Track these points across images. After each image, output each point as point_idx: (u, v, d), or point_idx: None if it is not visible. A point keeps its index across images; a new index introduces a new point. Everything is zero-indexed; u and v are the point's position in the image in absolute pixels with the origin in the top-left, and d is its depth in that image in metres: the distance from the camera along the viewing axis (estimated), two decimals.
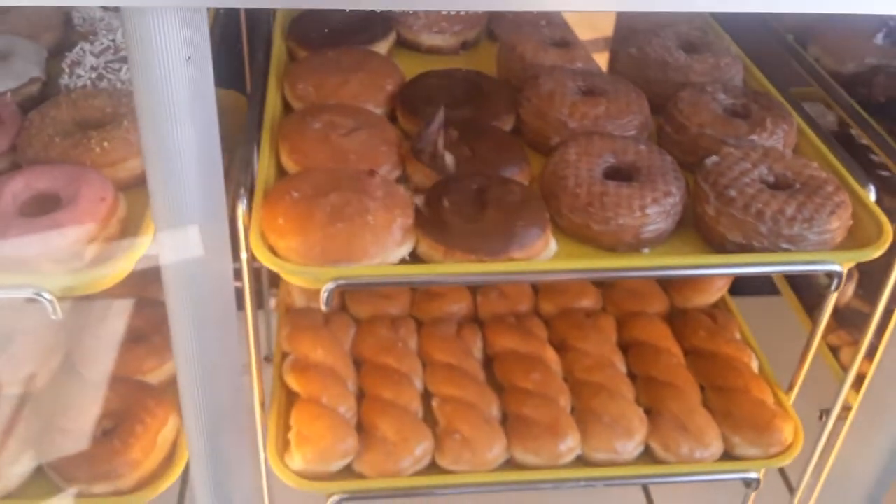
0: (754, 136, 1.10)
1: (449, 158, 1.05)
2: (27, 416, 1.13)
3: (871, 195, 1.04)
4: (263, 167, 1.03)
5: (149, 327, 1.22)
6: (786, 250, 0.98)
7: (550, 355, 1.24)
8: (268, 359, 1.36)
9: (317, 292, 0.93)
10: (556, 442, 1.11)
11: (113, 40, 1.20)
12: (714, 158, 1.05)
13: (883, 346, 1.13)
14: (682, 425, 1.14)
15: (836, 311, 1.10)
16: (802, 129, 1.16)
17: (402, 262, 0.96)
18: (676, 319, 1.33)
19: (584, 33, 1.34)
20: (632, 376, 1.23)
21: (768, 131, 1.10)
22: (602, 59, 1.32)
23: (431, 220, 0.96)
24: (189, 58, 0.73)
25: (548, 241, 0.97)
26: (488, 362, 1.25)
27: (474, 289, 1.32)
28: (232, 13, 1.35)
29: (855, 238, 1.01)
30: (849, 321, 1.28)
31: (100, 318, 1.23)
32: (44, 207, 0.95)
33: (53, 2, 0.94)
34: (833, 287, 0.99)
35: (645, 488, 1.56)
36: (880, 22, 1.37)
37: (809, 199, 0.99)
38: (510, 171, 1.05)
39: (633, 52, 1.26)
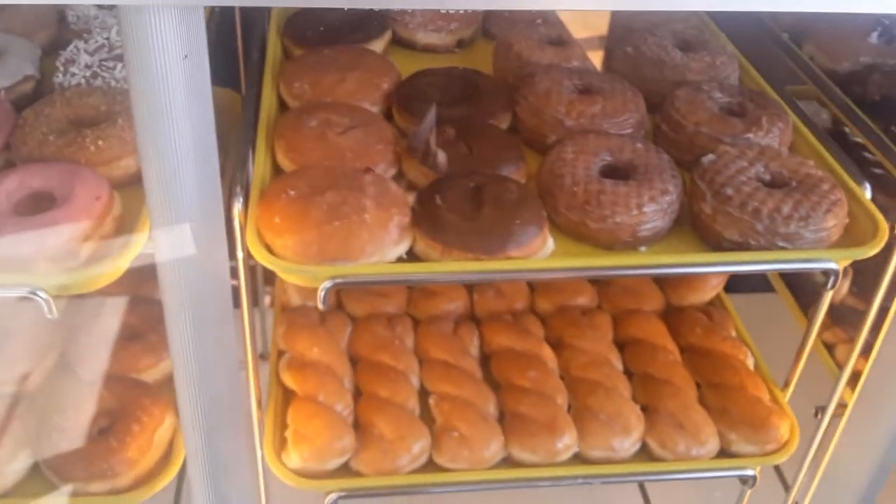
0: (750, 135, 1.10)
1: (441, 157, 1.04)
2: (23, 414, 1.12)
3: (867, 193, 1.04)
4: (259, 165, 1.03)
5: (144, 325, 1.22)
6: (782, 248, 0.98)
7: (547, 353, 1.24)
8: (262, 357, 1.36)
9: (313, 290, 0.93)
10: (553, 439, 1.11)
11: (107, 38, 1.19)
12: (710, 157, 1.05)
13: (879, 344, 1.13)
14: (678, 423, 1.14)
15: (831, 309, 1.10)
16: (798, 127, 1.16)
17: (400, 260, 0.96)
18: (672, 317, 1.33)
19: (578, 32, 1.34)
20: (628, 374, 1.23)
21: (764, 130, 1.11)
22: (596, 58, 1.32)
23: (428, 219, 0.96)
24: (186, 56, 0.73)
25: (545, 239, 0.98)
26: (485, 360, 1.25)
27: (471, 287, 1.32)
28: (227, 11, 1.34)
29: (851, 236, 1.01)
30: (844, 318, 1.28)
31: (95, 316, 1.22)
32: (38, 206, 0.94)
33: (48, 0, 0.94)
34: (829, 285, 0.99)
35: (641, 486, 1.57)
36: (875, 21, 1.38)
37: (805, 197, 0.99)
38: (507, 170, 1.05)
39: (629, 51, 1.26)
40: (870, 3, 0.78)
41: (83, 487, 1.06)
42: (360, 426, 1.12)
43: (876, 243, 0.98)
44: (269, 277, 1.44)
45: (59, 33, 1.28)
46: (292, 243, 0.92)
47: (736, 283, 1.39)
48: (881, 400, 1.18)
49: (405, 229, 0.96)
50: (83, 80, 1.14)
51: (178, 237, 0.83)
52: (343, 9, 1.32)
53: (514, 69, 1.24)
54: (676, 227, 1.03)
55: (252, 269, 0.98)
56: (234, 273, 0.93)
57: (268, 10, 1.35)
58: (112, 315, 1.22)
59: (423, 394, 1.18)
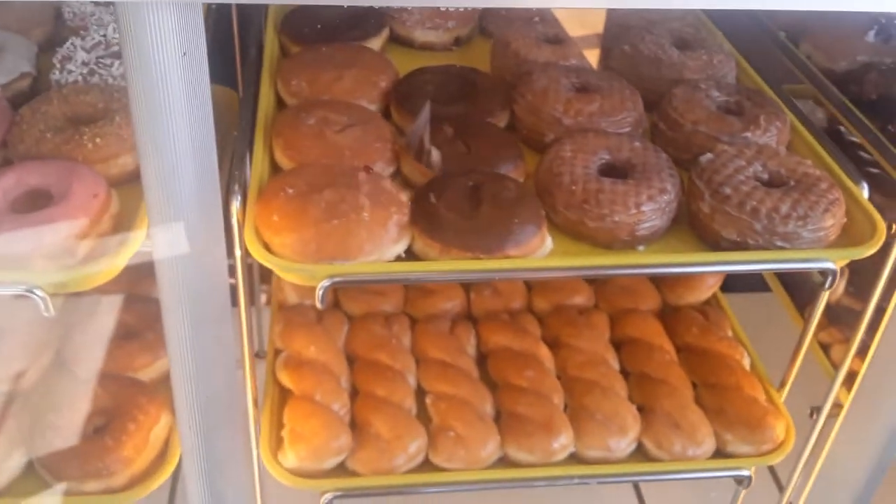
0: (748, 134, 1.10)
1: (435, 154, 1.04)
2: (18, 413, 1.12)
3: (864, 192, 1.04)
4: (257, 164, 1.03)
5: (141, 324, 1.21)
6: (780, 248, 0.98)
7: (544, 352, 1.24)
8: (258, 355, 1.36)
9: (310, 289, 0.92)
10: (549, 439, 1.11)
11: (104, 35, 1.19)
12: (708, 156, 1.05)
13: (875, 344, 1.13)
14: (674, 422, 1.15)
15: (827, 309, 1.10)
16: (795, 126, 1.16)
17: (398, 259, 0.96)
18: (669, 316, 1.33)
19: (575, 30, 1.34)
20: (625, 373, 1.23)
21: (762, 128, 1.11)
22: (592, 56, 1.32)
23: (427, 217, 0.96)
24: (185, 53, 0.72)
25: (543, 238, 0.97)
26: (482, 359, 1.25)
27: (468, 286, 1.32)
28: (223, 9, 1.34)
29: (848, 235, 1.02)
30: (839, 318, 1.28)
31: (91, 314, 1.22)
32: (35, 203, 0.94)
33: None
34: (827, 285, 0.99)
35: (636, 486, 1.57)
36: (872, 20, 1.38)
37: (804, 196, 0.99)
38: (505, 168, 1.05)
39: (626, 49, 1.26)
40: (866, 1, 0.78)
41: (77, 486, 1.06)
42: (356, 425, 1.12)
43: (874, 243, 0.98)
44: (266, 276, 1.44)
45: (55, 30, 1.28)
46: (290, 242, 0.92)
47: (732, 283, 1.39)
48: (877, 400, 1.18)
49: (404, 228, 0.96)
50: (80, 78, 1.14)
51: (176, 235, 0.82)
52: (340, 6, 1.32)
53: (511, 67, 1.24)
54: (674, 226, 1.03)
55: (249, 267, 0.97)
56: (231, 271, 0.92)
57: (265, 7, 1.35)
58: (108, 313, 1.22)
59: (420, 393, 1.18)
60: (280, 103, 1.19)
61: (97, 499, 1.06)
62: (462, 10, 1.36)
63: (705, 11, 1.40)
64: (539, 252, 0.97)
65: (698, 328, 1.29)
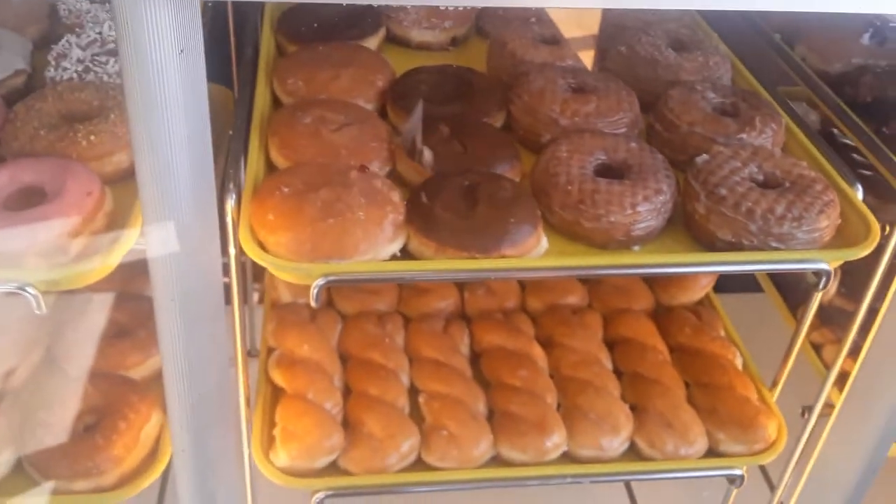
0: (743, 135, 1.10)
1: (427, 154, 1.04)
2: (7, 410, 1.11)
3: (859, 194, 1.05)
4: (253, 162, 1.03)
5: (133, 322, 1.21)
6: (775, 249, 0.98)
7: (537, 352, 1.24)
8: (251, 354, 1.35)
9: (303, 288, 0.92)
10: (542, 438, 1.11)
11: (100, 33, 1.18)
12: (704, 157, 1.05)
13: (867, 345, 1.13)
14: (667, 422, 1.15)
15: (819, 309, 1.10)
16: (790, 128, 1.16)
17: (393, 258, 0.96)
18: (662, 316, 1.33)
19: (571, 31, 1.34)
20: (618, 373, 1.23)
21: (757, 130, 1.11)
22: (588, 57, 1.32)
23: (422, 217, 0.96)
24: (182, 51, 0.72)
25: (539, 238, 0.97)
26: (475, 359, 1.25)
27: (461, 285, 1.32)
28: (219, 7, 1.34)
29: (842, 237, 1.02)
30: (831, 319, 1.29)
31: (83, 312, 1.21)
32: (29, 201, 0.93)
33: None
34: (821, 286, 0.99)
35: (627, 485, 1.57)
36: (867, 22, 1.38)
37: (799, 197, 0.99)
38: (501, 168, 1.05)
39: (622, 50, 1.26)
40: (861, 3, 0.79)
41: (67, 485, 1.06)
42: (349, 424, 1.12)
43: (868, 244, 0.99)
44: (259, 274, 1.44)
45: (50, 27, 1.27)
46: (286, 240, 0.91)
47: (725, 283, 1.39)
48: (869, 400, 1.19)
49: (399, 227, 0.96)
50: (75, 75, 1.13)
51: (170, 233, 0.82)
52: (337, 5, 1.32)
53: (507, 67, 1.24)
54: (670, 227, 1.03)
55: (242, 265, 0.97)
56: (224, 270, 0.92)
57: (261, 5, 1.34)
58: (100, 311, 1.21)
59: (413, 392, 1.18)
60: (276, 102, 1.19)
61: (86, 498, 1.05)
62: (459, 9, 1.36)
63: (701, 13, 1.41)
64: (535, 252, 0.97)
65: (691, 328, 1.29)
